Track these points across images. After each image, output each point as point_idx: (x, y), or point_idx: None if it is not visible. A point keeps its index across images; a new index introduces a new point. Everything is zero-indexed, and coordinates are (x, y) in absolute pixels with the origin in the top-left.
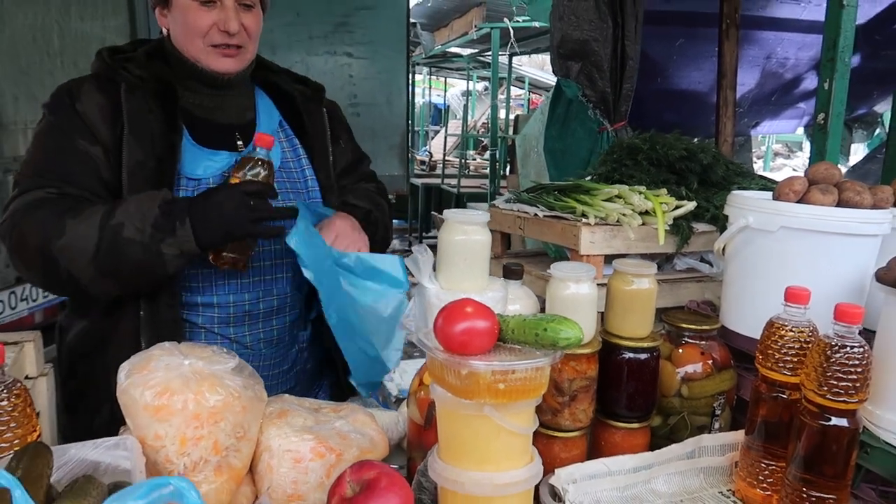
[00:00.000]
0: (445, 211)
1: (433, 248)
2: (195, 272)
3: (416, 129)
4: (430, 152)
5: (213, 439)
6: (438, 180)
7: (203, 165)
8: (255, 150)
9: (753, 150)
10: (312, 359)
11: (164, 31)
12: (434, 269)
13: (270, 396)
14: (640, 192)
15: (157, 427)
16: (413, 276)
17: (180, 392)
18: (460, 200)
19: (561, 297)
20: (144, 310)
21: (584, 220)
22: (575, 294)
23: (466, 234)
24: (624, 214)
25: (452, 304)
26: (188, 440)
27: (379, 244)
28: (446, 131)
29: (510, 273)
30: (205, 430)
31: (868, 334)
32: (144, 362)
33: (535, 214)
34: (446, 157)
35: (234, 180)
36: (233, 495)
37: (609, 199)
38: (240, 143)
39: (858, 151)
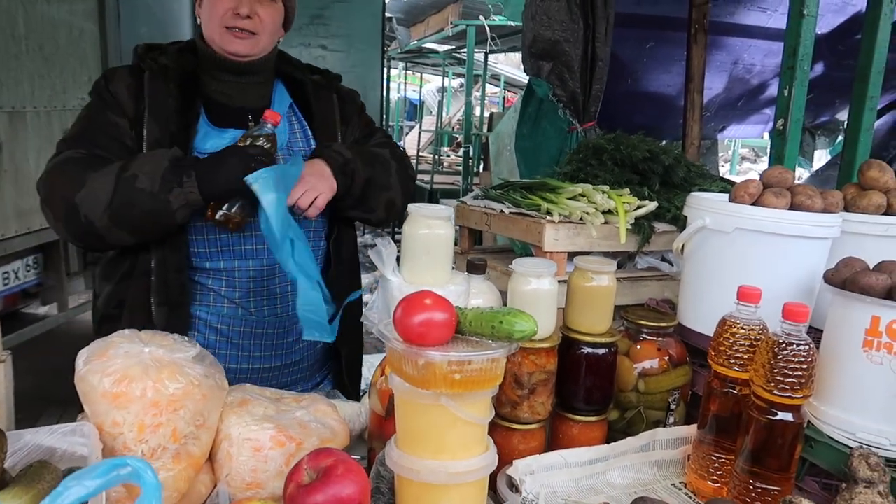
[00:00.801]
0: (410, 205)
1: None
2: (202, 238)
3: (390, 124)
4: (404, 148)
5: (171, 427)
6: None
7: (212, 142)
8: (263, 123)
9: (721, 154)
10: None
11: (199, 20)
12: (398, 262)
13: (266, 368)
14: (604, 192)
15: (115, 414)
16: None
17: (139, 379)
18: (433, 196)
19: (522, 291)
20: (156, 275)
21: (548, 217)
22: (536, 289)
23: (430, 227)
24: (587, 213)
25: (412, 296)
26: (146, 427)
27: (356, 197)
28: (421, 127)
29: (473, 268)
30: (164, 418)
31: (817, 333)
32: (103, 349)
33: (502, 211)
34: (420, 153)
35: (240, 143)
36: (191, 483)
37: (573, 198)
38: (251, 123)
39: (822, 158)
